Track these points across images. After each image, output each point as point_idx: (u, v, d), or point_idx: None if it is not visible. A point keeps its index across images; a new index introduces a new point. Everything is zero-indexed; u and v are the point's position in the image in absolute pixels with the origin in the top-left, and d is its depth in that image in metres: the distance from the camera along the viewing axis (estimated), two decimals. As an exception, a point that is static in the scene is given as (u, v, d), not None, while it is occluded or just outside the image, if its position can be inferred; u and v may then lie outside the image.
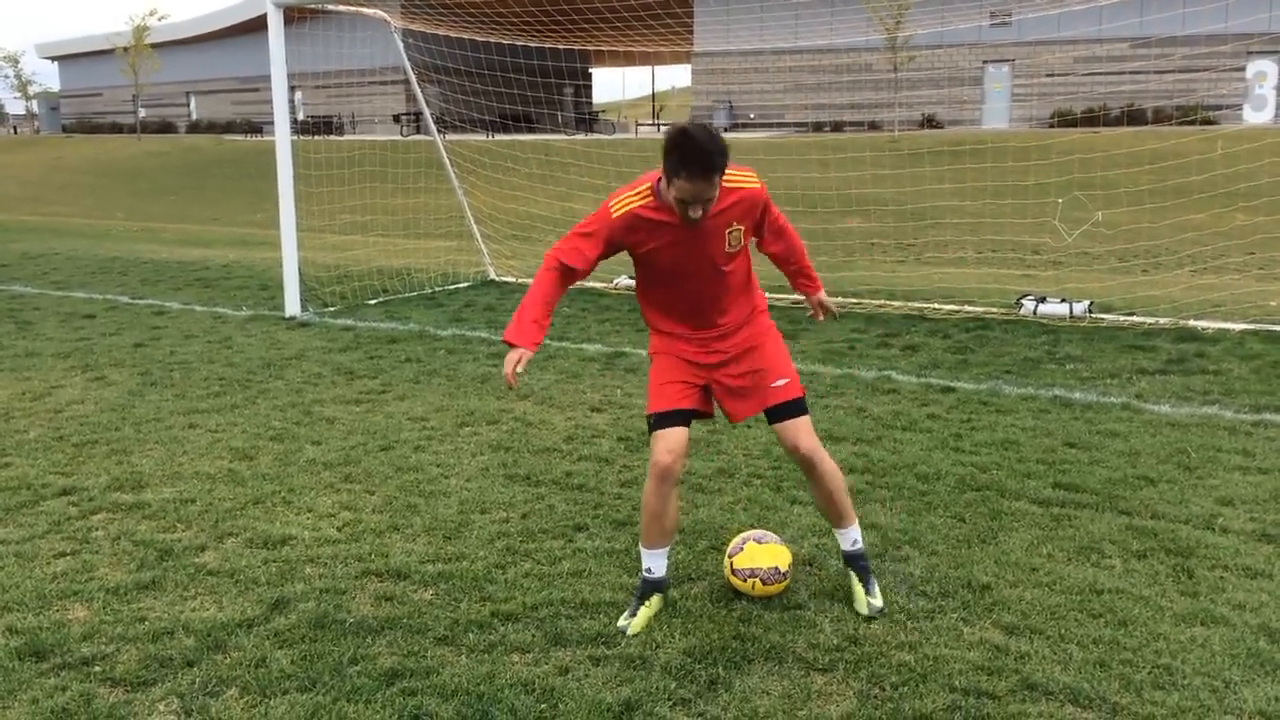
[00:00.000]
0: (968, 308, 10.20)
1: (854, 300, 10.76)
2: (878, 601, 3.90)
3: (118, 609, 3.93)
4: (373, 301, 11.20)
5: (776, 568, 3.96)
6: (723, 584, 4.10)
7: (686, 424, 3.86)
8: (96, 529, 4.74)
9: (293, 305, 10.43)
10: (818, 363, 8.04)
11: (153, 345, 8.90)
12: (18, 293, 11.97)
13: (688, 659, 3.55)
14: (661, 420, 3.83)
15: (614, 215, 3.69)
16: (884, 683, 3.40)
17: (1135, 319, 9.45)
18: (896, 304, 10.55)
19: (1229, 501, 4.97)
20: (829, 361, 8.09)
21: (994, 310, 10.02)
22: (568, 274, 3.76)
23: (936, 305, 10.41)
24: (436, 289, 12.03)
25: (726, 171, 3.57)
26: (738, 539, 4.10)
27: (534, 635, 3.73)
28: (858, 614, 3.86)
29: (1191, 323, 9.16)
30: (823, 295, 4.30)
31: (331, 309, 10.66)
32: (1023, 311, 9.79)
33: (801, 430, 3.87)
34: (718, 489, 5.22)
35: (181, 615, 3.88)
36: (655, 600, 3.89)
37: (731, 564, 4.00)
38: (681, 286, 3.82)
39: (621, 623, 3.80)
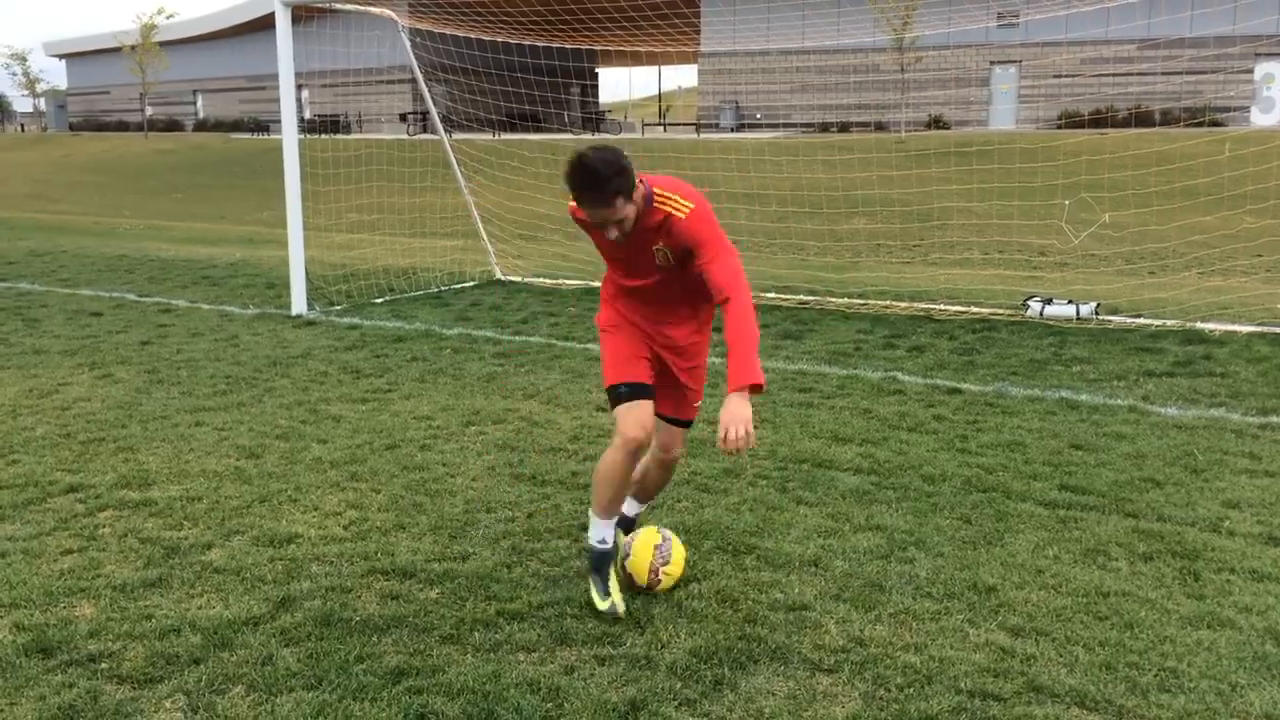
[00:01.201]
0: (974, 309, 10.19)
1: (860, 301, 10.75)
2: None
3: (124, 606, 3.94)
4: (379, 300, 11.22)
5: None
6: (727, 584, 4.10)
7: (652, 397, 3.84)
8: (103, 526, 4.75)
9: (299, 304, 10.45)
10: (823, 363, 8.04)
11: (159, 343, 8.92)
12: (25, 290, 12.00)
13: (693, 659, 3.55)
14: (628, 392, 3.80)
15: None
16: (889, 684, 3.40)
17: (1142, 321, 9.44)
18: (903, 305, 10.54)
19: (1236, 504, 4.96)
20: (835, 362, 8.08)
21: (1000, 311, 10.01)
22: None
23: (943, 306, 10.40)
24: (443, 288, 12.05)
25: (660, 190, 3.62)
26: (657, 555, 3.98)
27: (539, 634, 3.73)
28: (868, 615, 3.87)
29: (1199, 325, 9.14)
30: (733, 407, 3.42)
31: (338, 308, 10.68)
32: (1029, 313, 9.78)
33: (680, 438, 4.14)
34: (723, 489, 5.22)
35: (188, 613, 3.89)
36: (615, 571, 3.90)
37: (663, 573, 3.98)
38: (627, 274, 3.90)
39: (606, 607, 3.79)
